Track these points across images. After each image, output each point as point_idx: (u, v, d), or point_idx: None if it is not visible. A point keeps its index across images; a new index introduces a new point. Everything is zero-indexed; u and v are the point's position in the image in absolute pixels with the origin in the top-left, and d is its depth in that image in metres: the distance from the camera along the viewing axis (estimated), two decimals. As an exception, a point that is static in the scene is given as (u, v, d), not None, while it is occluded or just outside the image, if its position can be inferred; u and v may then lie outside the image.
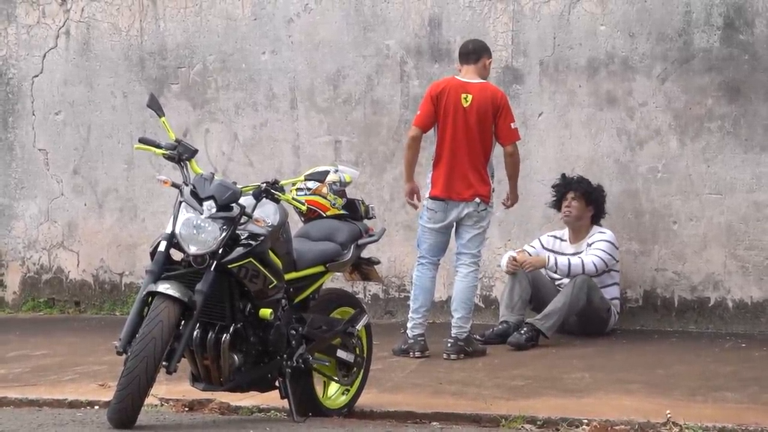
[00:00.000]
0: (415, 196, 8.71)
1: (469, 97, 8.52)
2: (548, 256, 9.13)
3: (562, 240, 9.42)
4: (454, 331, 8.60)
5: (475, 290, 8.74)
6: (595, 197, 9.33)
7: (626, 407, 7.03)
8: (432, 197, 8.60)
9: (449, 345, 8.58)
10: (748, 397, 7.28)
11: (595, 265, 9.08)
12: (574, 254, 9.24)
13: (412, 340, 8.59)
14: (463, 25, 9.97)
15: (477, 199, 8.53)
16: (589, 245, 9.23)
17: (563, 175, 9.47)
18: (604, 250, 9.16)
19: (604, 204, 9.39)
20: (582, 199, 9.30)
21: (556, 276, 9.25)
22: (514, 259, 9.16)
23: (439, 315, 9.74)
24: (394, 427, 6.76)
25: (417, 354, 8.53)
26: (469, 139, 8.51)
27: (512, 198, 8.85)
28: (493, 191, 8.66)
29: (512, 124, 8.60)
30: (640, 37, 9.60)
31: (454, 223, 8.62)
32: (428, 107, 8.59)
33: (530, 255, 9.27)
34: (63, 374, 8.25)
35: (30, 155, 11.20)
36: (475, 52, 8.69)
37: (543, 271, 9.25)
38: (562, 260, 9.09)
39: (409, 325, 8.65)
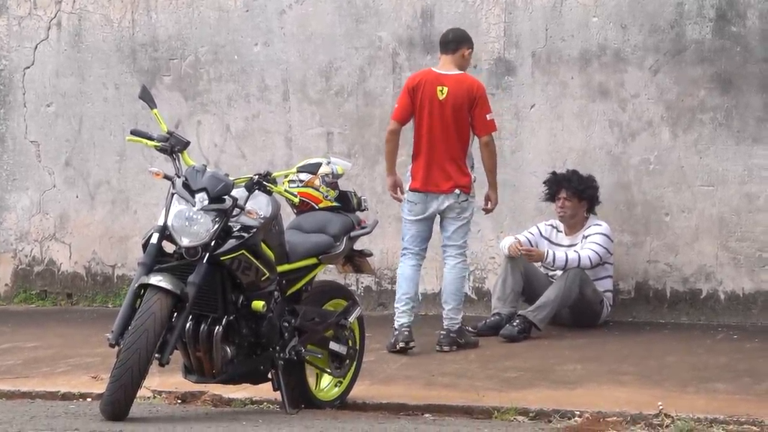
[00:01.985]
0: (398, 189, 8.69)
1: (445, 89, 8.49)
2: (547, 252, 9.10)
3: (558, 230, 9.42)
4: (445, 323, 8.60)
5: (464, 281, 8.71)
6: (587, 193, 9.32)
7: (618, 399, 7.04)
8: (411, 190, 8.59)
9: (442, 337, 8.58)
10: (739, 388, 7.29)
11: (590, 258, 9.08)
12: (569, 246, 9.24)
13: (396, 331, 8.51)
14: (455, 17, 9.95)
15: (457, 191, 8.49)
16: (585, 237, 9.23)
17: (554, 173, 9.45)
18: (599, 244, 9.15)
19: (597, 194, 9.38)
20: (574, 197, 9.29)
21: (550, 268, 9.25)
22: (520, 242, 9.11)
23: (431, 307, 9.75)
24: (386, 419, 6.76)
25: (401, 345, 8.40)
26: (445, 131, 8.47)
27: (492, 197, 8.70)
28: (474, 180, 8.62)
29: (488, 115, 8.53)
30: (632, 29, 9.60)
31: (437, 215, 8.59)
32: (405, 100, 8.58)
33: (531, 244, 9.28)
34: (55, 366, 8.25)
35: (22, 147, 11.18)
36: (454, 42, 8.64)
37: (537, 263, 9.24)
38: (560, 254, 9.07)
39: (395, 316, 8.60)
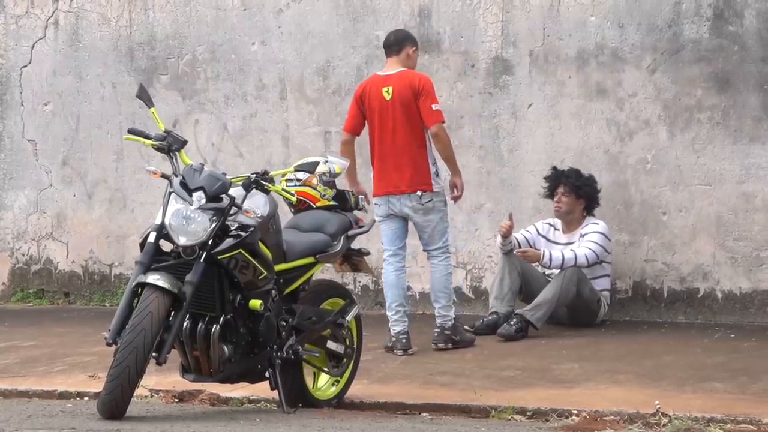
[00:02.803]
0: (365, 196, 8.59)
1: (390, 88, 8.44)
2: (543, 252, 9.09)
3: (556, 229, 9.42)
4: (438, 321, 8.59)
5: (450, 277, 8.65)
6: (585, 191, 9.31)
7: (616, 398, 7.04)
8: (374, 196, 8.58)
9: (436, 335, 8.58)
10: (737, 388, 7.29)
11: (587, 257, 9.07)
12: (567, 244, 9.24)
13: (394, 338, 8.50)
14: (452, 16, 9.95)
15: (418, 192, 8.45)
16: (582, 236, 9.22)
17: (554, 168, 9.45)
18: (596, 242, 9.15)
19: (597, 195, 9.37)
20: (572, 194, 9.28)
21: (547, 267, 9.24)
22: (510, 220, 9.07)
23: (428, 306, 9.73)
24: (384, 418, 6.76)
25: (399, 353, 8.42)
26: (398, 130, 8.42)
27: (458, 183, 8.60)
28: (437, 175, 8.53)
29: (434, 106, 8.42)
30: (630, 28, 9.60)
31: (405, 215, 8.53)
32: (353, 110, 8.59)
33: (528, 243, 9.28)
34: (52, 365, 8.24)
35: (19, 146, 11.18)
36: (396, 43, 8.60)
37: (534, 263, 9.23)
38: (556, 254, 9.06)
39: (389, 324, 8.59)
